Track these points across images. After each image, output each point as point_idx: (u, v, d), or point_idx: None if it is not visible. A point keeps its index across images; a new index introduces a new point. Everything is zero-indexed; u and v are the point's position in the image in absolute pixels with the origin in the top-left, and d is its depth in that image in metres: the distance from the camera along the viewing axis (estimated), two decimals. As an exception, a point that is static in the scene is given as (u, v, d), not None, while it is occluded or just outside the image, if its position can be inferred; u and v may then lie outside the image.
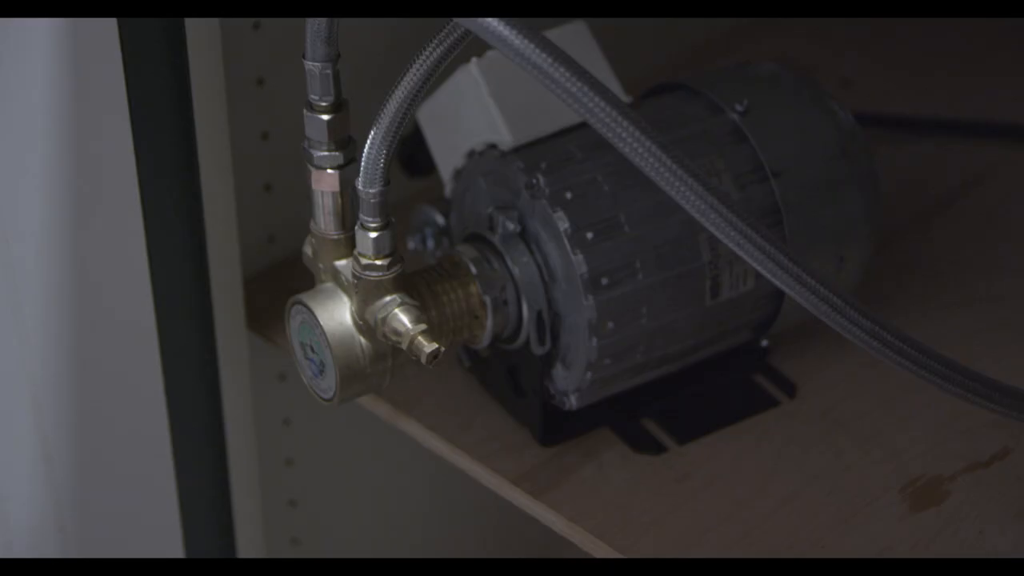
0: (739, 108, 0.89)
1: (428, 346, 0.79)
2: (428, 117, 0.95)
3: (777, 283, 0.69)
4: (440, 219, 0.94)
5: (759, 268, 0.68)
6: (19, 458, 0.98)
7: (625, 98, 0.91)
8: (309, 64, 0.77)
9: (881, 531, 0.87)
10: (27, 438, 0.97)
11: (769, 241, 0.68)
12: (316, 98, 0.78)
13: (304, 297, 0.84)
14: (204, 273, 0.95)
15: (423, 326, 0.81)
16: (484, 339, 0.88)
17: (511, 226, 0.87)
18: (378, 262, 0.80)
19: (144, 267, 0.92)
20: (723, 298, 0.89)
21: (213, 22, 0.90)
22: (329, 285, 0.84)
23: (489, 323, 0.87)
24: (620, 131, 0.65)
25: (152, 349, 0.95)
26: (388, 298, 0.81)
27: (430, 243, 0.95)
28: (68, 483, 1.01)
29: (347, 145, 0.80)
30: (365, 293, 0.81)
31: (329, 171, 0.80)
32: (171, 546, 1.03)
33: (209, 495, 1.02)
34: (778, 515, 0.88)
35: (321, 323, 0.83)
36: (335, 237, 0.82)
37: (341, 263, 0.83)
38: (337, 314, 0.83)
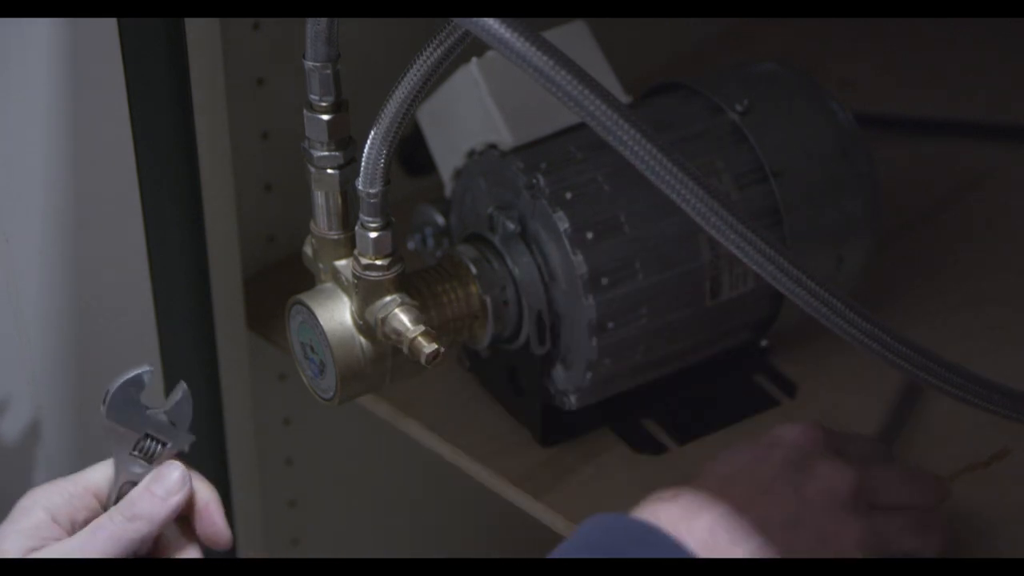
0: (739, 108, 0.89)
1: (428, 346, 0.79)
2: (428, 116, 0.95)
3: (777, 286, 0.69)
4: (440, 219, 0.94)
5: (759, 271, 0.68)
6: (19, 459, 0.98)
7: (625, 98, 0.91)
8: (309, 64, 0.77)
9: (881, 531, 0.87)
10: (27, 438, 0.97)
11: (769, 244, 0.68)
12: (316, 98, 0.78)
13: (304, 297, 0.84)
14: (204, 273, 0.95)
15: (423, 326, 0.81)
16: (484, 339, 0.88)
17: (511, 226, 0.87)
18: (378, 262, 0.80)
19: (144, 267, 0.92)
20: (723, 298, 0.89)
21: (213, 22, 0.90)
22: (329, 285, 0.83)
23: (489, 323, 0.87)
24: (621, 134, 0.65)
25: (152, 349, 0.95)
26: (388, 298, 0.81)
27: (430, 243, 0.95)
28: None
29: (347, 145, 0.80)
30: (365, 293, 0.81)
31: (329, 171, 0.80)
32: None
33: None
34: (778, 515, 0.88)
35: (321, 323, 0.82)
36: (335, 237, 0.82)
37: (341, 263, 0.83)
38: (337, 314, 0.83)
